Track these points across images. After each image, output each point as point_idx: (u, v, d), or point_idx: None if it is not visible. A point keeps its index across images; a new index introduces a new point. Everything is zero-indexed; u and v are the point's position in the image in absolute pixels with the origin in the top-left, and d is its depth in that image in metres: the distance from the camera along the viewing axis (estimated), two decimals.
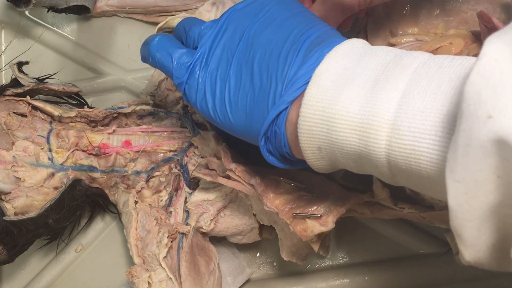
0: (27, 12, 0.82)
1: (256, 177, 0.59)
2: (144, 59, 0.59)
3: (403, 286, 0.73)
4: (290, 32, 0.50)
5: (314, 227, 0.57)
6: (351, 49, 0.47)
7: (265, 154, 0.52)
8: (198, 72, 0.54)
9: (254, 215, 0.66)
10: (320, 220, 0.57)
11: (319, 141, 0.46)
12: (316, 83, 0.46)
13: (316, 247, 0.59)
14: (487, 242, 0.38)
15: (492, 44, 0.35)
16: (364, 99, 0.43)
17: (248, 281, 0.74)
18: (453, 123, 0.38)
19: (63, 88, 0.71)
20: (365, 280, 0.73)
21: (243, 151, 0.65)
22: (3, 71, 0.80)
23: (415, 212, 0.61)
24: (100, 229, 0.76)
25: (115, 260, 0.76)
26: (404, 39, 0.68)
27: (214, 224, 0.67)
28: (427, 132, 0.39)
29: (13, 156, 0.64)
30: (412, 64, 0.43)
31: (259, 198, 0.59)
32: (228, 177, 0.61)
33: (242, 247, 0.74)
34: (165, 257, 0.64)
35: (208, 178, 0.62)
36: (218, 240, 0.72)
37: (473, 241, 0.37)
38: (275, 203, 0.58)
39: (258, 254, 0.75)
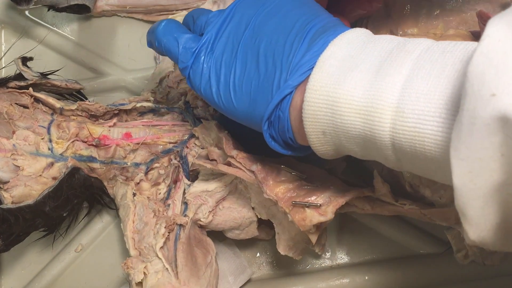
0: (27, 12, 0.82)
1: (257, 164, 0.59)
2: (150, 44, 0.60)
3: (403, 286, 0.73)
4: (296, 21, 0.51)
5: (313, 217, 0.56)
6: (356, 37, 0.48)
7: (267, 139, 0.52)
8: (203, 57, 0.54)
9: (253, 208, 0.66)
10: (319, 210, 0.57)
11: (323, 125, 0.46)
12: (320, 69, 0.46)
13: (314, 239, 0.59)
14: (491, 221, 0.37)
15: (495, 25, 0.36)
16: (368, 83, 0.43)
17: (248, 281, 0.73)
18: (456, 105, 0.38)
19: (65, 84, 0.71)
20: (365, 280, 0.73)
21: (244, 142, 0.65)
22: (3, 70, 0.80)
23: (416, 208, 0.61)
24: (100, 229, 0.76)
25: (115, 260, 0.75)
26: None
27: (213, 216, 0.66)
28: (431, 115, 0.40)
29: (13, 145, 0.64)
30: (416, 50, 0.43)
31: (259, 185, 0.58)
32: (229, 165, 0.60)
33: (242, 247, 0.74)
34: (161, 247, 0.63)
35: (209, 166, 0.62)
36: (219, 239, 0.72)
37: (477, 219, 0.37)
38: (275, 191, 0.58)
39: (258, 254, 0.75)
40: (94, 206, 0.73)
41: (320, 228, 0.58)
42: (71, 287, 0.75)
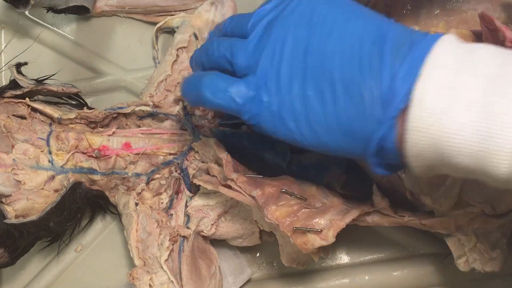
0: (26, 12, 0.81)
1: (257, 189, 0.58)
2: (195, 103, 0.55)
3: (403, 286, 0.74)
4: (359, 35, 0.47)
5: (315, 241, 0.57)
6: (446, 57, 0.44)
7: (374, 169, 0.49)
8: (267, 99, 0.49)
9: (255, 221, 0.66)
10: (320, 235, 0.57)
11: (430, 162, 0.45)
12: (419, 106, 0.43)
13: (316, 258, 0.60)
14: None
15: None
16: (477, 123, 0.41)
17: (248, 281, 0.74)
18: None
19: (62, 89, 0.71)
20: (365, 280, 0.74)
21: (243, 159, 0.65)
22: (3, 72, 0.80)
23: (415, 219, 0.61)
24: (100, 229, 0.76)
25: (115, 260, 0.76)
26: None
27: (215, 228, 0.67)
28: None
29: (13, 159, 0.64)
30: None
31: (259, 209, 0.59)
32: (229, 186, 0.60)
33: (243, 248, 0.74)
34: (166, 260, 0.64)
35: (209, 187, 0.61)
36: (219, 240, 0.72)
37: None
38: (276, 215, 0.58)
39: (258, 254, 0.75)
40: (97, 210, 0.74)
41: (321, 248, 0.59)
42: (71, 287, 0.76)
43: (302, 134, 0.49)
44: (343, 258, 0.75)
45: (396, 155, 0.46)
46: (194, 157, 0.67)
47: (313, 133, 0.48)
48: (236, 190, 0.59)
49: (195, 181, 0.64)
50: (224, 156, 0.61)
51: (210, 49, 0.55)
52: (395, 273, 0.74)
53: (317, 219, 0.57)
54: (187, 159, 0.68)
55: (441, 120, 0.42)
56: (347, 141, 0.48)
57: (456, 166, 0.43)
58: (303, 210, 0.58)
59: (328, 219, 0.57)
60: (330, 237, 0.56)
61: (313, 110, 0.48)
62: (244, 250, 0.74)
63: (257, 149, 0.64)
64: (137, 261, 0.65)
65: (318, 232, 0.57)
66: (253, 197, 0.58)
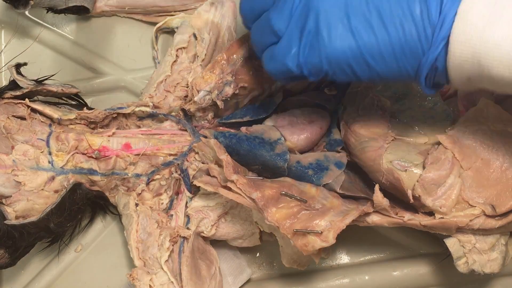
0: (26, 12, 0.81)
1: (257, 192, 0.59)
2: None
3: (403, 286, 0.74)
4: None
5: (315, 243, 0.57)
6: None
7: (425, 90, 0.52)
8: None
9: (255, 222, 0.66)
10: (321, 236, 0.57)
11: (469, 73, 0.48)
12: (463, 20, 0.46)
13: (317, 259, 0.60)
14: None
15: None
16: None
17: (248, 281, 0.74)
18: None
19: (61, 89, 0.71)
20: (365, 280, 0.74)
21: (242, 160, 0.65)
22: (3, 72, 0.80)
23: (415, 220, 0.61)
24: (100, 229, 0.77)
25: (115, 260, 0.76)
26: None
27: (215, 229, 0.67)
28: None
29: (13, 160, 0.64)
30: None
31: (259, 211, 0.59)
32: (229, 188, 0.60)
33: (242, 248, 0.74)
34: (166, 260, 0.64)
35: (209, 189, 0.62)
36: (219, 240, 0.72)
37: None
38: (276, 217, 0.58)
39: (258, 254, 0.76)
40: (97, 211, 0.74)
41: (322, 249, 0.59)
42: (71, 287, 0.76)
43: (354, 69, 0.51)
44: (343, 258, 0.76)
45: (448, 77, 0.49)
46: (194, 158, 0.67)
47: (364, 65, 0.50)
48: (236, 192, 0.59)
49: (195, 182, 0.64)
50: (224, 157, 0.61)
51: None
52: (395, 273, 0.74)
53: (317, 221, 0.58)
54: (187, 160, 0.68)
55: (483, 33, 0.45)
56: (398, 69, 0.50)
57: (494, 78, 0.46)
58: (303, 212, 0.58)
59: (328, 221, 0.58)
60: (330, 238, 0.56)
61: (364, 43, 0.49)
62: (244, 250, 0.74)
63: (256, 149, 0.64)
64: (137, 262, 0.65)
65: (319, 233, 0.57)
66: (253, 200, 0.58)
